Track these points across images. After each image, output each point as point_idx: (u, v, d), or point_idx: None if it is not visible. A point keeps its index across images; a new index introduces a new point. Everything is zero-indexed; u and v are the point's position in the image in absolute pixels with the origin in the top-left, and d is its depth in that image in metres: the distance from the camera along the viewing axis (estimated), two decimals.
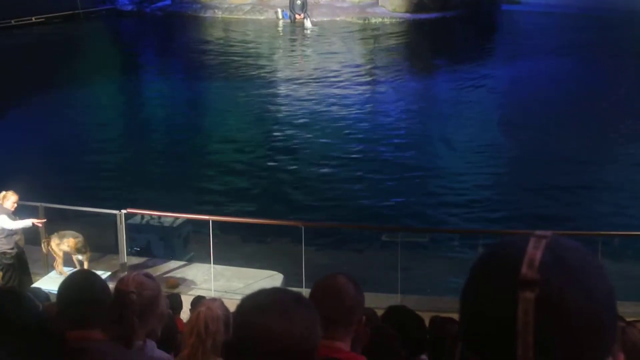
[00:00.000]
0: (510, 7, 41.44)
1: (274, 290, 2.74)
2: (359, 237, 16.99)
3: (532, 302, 1.50)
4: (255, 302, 2.62)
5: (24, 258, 14.32)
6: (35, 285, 13.36)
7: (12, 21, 40.24)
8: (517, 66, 30.88)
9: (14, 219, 13.86)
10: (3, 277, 13.59)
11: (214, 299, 5.35)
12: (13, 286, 12.81)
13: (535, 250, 1.55)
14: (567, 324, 1.51)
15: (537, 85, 28.31)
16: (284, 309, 2.57)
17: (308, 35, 37.88)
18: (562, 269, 1.53)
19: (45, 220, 14.17)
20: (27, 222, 13.99)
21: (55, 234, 14.30)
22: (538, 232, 1.61)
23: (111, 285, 4.63)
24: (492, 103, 26.61)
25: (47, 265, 14.60)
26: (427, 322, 7.71)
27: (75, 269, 12.73)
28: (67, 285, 4.50)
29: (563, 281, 1.52)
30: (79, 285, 4.45)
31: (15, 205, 13.84)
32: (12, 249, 13.89)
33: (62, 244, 14.22)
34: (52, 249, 14.25)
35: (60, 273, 13.81)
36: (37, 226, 14.13)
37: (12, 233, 13.87)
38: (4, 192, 13.78)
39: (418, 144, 22.82)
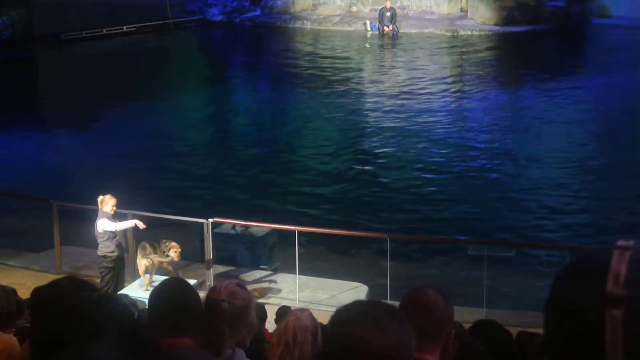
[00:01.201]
0: (602, 20, 40.86)
1: (368, 302, 2.75)
2: (445, 249, 16.88)
3: (620, 319, 1.47)
4: (350, 314, 2.63)
5: (123, 262, 14.47)
6: (122, 291, 13.51)
7: (104, 30, 40.90)
8: (608, 79, 30.45)
9: (114, 222, 14.03)
10: (102, 280, 13.75)
11: (302, 309, 5.37)
12: (110, 292, 12.95)
13: (619, 264, 1.52)
14: None
15: (628, 98, 27.93)
16: (379, 321, 2.57)
17: (396, 47, 37.82)
18: None
19: (144, 226, 14.23)
20: (130, 223, 14.14)
21: (145, 243, 14.41)
22: (620, 243, 1.57)
23: (200, 294, 4.68)
24: (582, 116, 26.27)
25: (134, 272, 14.74)
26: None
27: (167, 277, 12.83)
28: (160, 293, 4.57)
29: None
30: (171, 293, 4.51)
31: (114, 208, 14.00)
32: (112, 252, 14.04)
33: (156, 252, 14.30)
34: (147, 259, 14.30)
35: (149, 284, 13.86)
36: (139, 228, 14.20)
37: (112, 236, 14.03)
38: (101, 197, 13.95)
39: (506, 157, 22.63)
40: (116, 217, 14.24)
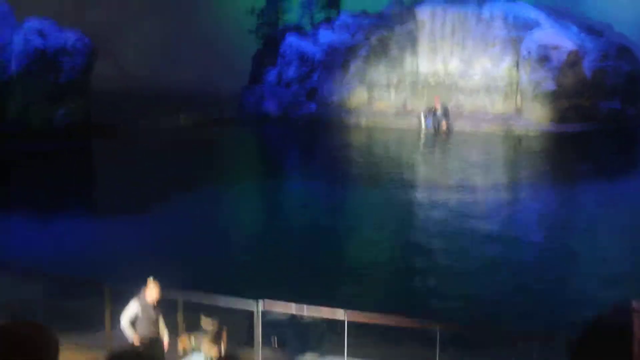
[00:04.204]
0: None
1: None
2: (495, 342, 16.70)
3: None
4: None
5: (157, 350, 14.45)
6: None
7: (160, 123, 41.49)
8: None
9: (150, 309, 14.05)
10: None
11: None
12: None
13: None
14: None
15: None
16: None
17: (450, 144, 37.97)
18: None
19: (140, 344, 14.25)
20: (129, 334, 14.13)
21: (198, 334, 14.47)
22: (636, 305, 1.63)
23: None
24: (635, 219, 26.04)
25: None
26: None
27: None
28: None
29: None
30: None
31: (155, 298, 13.99)
32: (145, 336, 14.09)
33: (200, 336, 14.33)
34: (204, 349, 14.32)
35: None
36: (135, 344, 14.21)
37: (143, 321, 14.05)
38: (149, 279, 13.99)
39: (558, 256, 22.50)
40: (158, 306, 14.24)
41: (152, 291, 13.88)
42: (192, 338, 14.30)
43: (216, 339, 14.39)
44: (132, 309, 13.95)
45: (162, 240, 23.71)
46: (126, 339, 14.38)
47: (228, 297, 15.33)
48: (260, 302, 14.61)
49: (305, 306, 15.05)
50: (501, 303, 19.03)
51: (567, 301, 19.18)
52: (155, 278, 14.24)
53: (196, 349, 14.27)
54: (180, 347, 14.23)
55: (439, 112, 39.70)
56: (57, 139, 36.77)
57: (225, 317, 15.34)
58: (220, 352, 14.32)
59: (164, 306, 14.81)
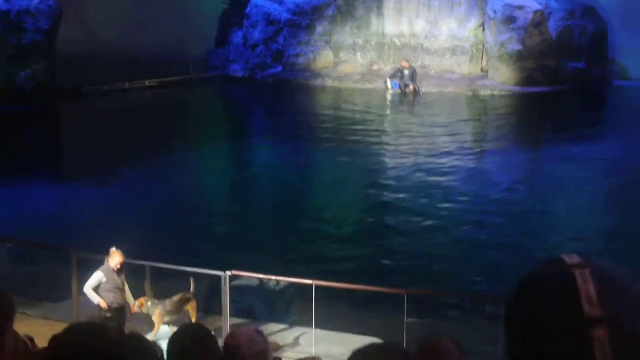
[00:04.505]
0: (622, 82, 40.98)
1: (384, 345, 2.79)
2: (463, 306, 16.85)
3: (606, 336, 1.57)
4: (366, 356, 2.68)
5: (122, 314, 14.55)
6: None
7: (126, 84, 41.28)
8: (627, 141, 30.42)
9: (115, 277, 14.16)
10: None
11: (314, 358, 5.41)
12: (139, 333, 12.99)
13: (586, 284, 1.62)
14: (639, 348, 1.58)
15: None
16: None
17: (416, 105, 38.01)
18: (619, 299, 1.61)
19: (106, 307, 14.28)
20: (95, 300, 14.20)
21: (154, 299, 14.56)
22: (569, 259, 1.66)
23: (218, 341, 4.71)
24: (601, 179, 26.22)
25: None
26: None
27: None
28: (180, 338, 4.61)
29: (625, 311, 1.60)
30: (191, 338, 4.55)
31: (119, 266, 14.16)
32: (110, 302, 14.19)
33: (172, 310, 14.46)
34: (155, 316, 14.46)
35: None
36: (102, 307, 14.25)
37: (112, 287, 14.17)
38: (112, 249, 14.11)
39: (521, 213, 22.67)
40: (122, 271, 14.37)
41: (114, 258, 14.03)
42: (149, 303, 14.43)
43: (176, 308, 14.47)
44: (95, 276, 14.08)
45: (130, 204, 23.67)
46: (93, 307, 14.41)
47: (196, 265, 15.36)
48: (228, 271, 14.64)
49: (273, 275, 15.11)
50: (465, 260, 19.21)
51: (532, 258, 19.33)
52: (118, 245, 14.31)
53: (149, 313, 14.42)
54: (136, 306, 14.37)
55: (407, 73, 39.64)
56: (21, 101, 36.44)
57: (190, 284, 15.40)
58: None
59: (133, 272, 14.83)
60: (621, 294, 1.62)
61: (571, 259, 1.68)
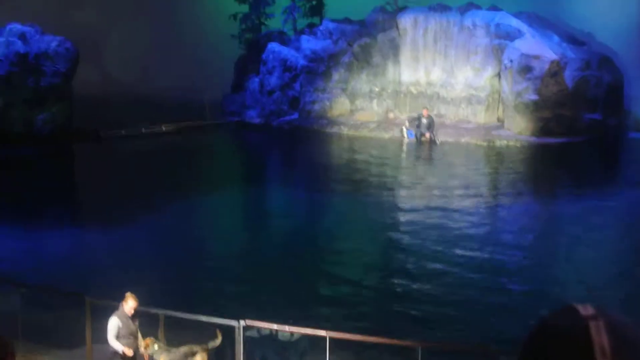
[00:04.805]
0: (637, 134, 41.00)
1: None
2: (477, 358, 16.75)
3: None
4: None
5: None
6: None
7: (143, 129, 41.48)
8: None
9: (130, 323, 14.17)
10: None
11: None
12: None
13: (600, 337, 1.64)
14: None
15: None
16: None
17: (432, 155, 38.03)
18: (632, 351, 1.64)
19: (131, 354, 14.32)
20: (118, 348, 14.22)
21: (161, 344, 14.56)
22: (583, 310, 1.68)
23: None
24: (617, 230, 26.14)
25: None
26: None
27: None
28: None
29: None
30: None
31: (133, 311, 14.17)
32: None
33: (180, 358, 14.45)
34: (156, 358, 14.47)
35: None
36: (126, 354, 14.28)
37: (124, 335, 14.17)
38: (127, 294, 14.13)
39: (537, 266, 22.57)
40: (136, 317, 14.39)
41: (129, 303, 14.06)
42: (155, 346, 14.44)
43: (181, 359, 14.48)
44: (113, 324, 14.09)
45: (144, 249, 23.67)
46: (107, 354, 14.42)
47: (209, 313, 15.32)
48: (242, 320, 14.59)
49: (287, 325, 15.05)
50: (481, 319, 19.09)
51: (547, 307, 19.16)
52: (132, 291, 14.33)
53: (155, 356, 14.43)
54: (142, 346, 14.37)
55: (424, 122, 39.74)
56: (38, 143, 36.66)
57: (204, 335, 15.37)
58: None
59: (147, 320, 14.82)
60: (634, 346, 1.65)
61: (585, 310, 1.70)
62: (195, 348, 14.76)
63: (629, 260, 23.67)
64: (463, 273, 21.65)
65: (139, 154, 37.13)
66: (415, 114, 40.85)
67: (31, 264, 21.63)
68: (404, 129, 40.62)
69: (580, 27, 44.64)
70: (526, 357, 1.74)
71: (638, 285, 21.36)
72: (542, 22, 44.15)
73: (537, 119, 40.04)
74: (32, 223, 25.70)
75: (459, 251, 23.40)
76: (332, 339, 14.58)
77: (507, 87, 41.13)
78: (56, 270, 21.26)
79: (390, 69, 44.66)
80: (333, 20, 46.63)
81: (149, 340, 14.48)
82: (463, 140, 39.97)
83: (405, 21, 44.73)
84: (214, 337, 14.99)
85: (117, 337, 14.20)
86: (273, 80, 45.17)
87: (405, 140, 40.30)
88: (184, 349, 14.68)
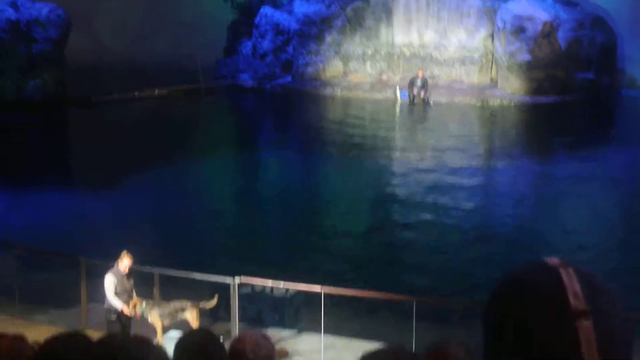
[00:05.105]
0: (631, 91, 41.01)
1: (393, 349, 2.80)
2: (473, 313, 16.79)
3: (590, 328, 1.70)
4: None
5: (129, 319, 14.56)
6: None
7: (136, 93, 41.38)
8: (636, 151, 30.36)
9: (124, 281, 14.21)
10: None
11: None
12: (144, 337, 13.03)
13: (571, 282, 1.74)
14: (619, 340, 1.73)
15: None
16: None
17: (426, 116, 38.02)
18: (601, 296, 1.75)
19: (135, 314, 14.39)
20: (118, 305, 14.23)
21: (149, 301, 14.62)
22: (555, 261, 1.75)
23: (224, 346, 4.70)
24: (610, 189, 26.15)
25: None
26: None
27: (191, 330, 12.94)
28: (186, 342, 4.60)
29: (606, 307, 1.74)
30: (197, 342, 4.53)
31: (127, 269, 14.20)
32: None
33: (170, 313, 14.50)
34: (151, 318, 14.50)
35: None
36: (125, 313, 14.31)
37: (121, 290, 14.21)
38: (123, 252, 14.15)
39: (532, 226, 22.62)
40: (131, 276, 14.42)
41: (124, 261, 14.09)
42: (143, 304, 14.46)
43: (171, 314, 14.51)
44: (110, 281, 14.12)
45: (138, 212, 23.68)
46: (101, 313, 14.48)
47: (204, 272, 15.36)
48: (237, 277, 14.62)
49: (282, 282, 15.09)
50: (475, 274, 19.15)
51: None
52: (128, 250, 14.34)
53: (144, 315, 14.47)
54: (131, 306, 14.38)
55: (419, 83, 39.66)
56: (31, 110, 36.56)
57: (199, 292, 15.42)
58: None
59: (142, 279, 14.86)
60: (602, 291, 1.76)
61: (552, 260, 1.78)
62: (185, 304, 14.80)
63: (616, 212, 23.81)
64: (456, 236, 21.67)
65: (132, 119, 37.03)
66: (412, 76, 40.73)
67: (24, 228, 21.61)
68: (398, 90, 40.57)
69: None
70: (495, 309, 1.79)
71: (626, 241, 21.47)
72: None
73: (531, 79, 40.03)
74: (26, 188, 25.66)
75: (452, 215, 23.41)
76: (326, 295, 14.62)
77: (500, 48, 41.08)
78: (51, 233, 21.26)
79: (383, 32, 44.54)
80: None
81: (136, 300, 14.50)
82: (456, 100, 39.94)
83: None
84: (210, 299, 15.02)
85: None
86: (266, 44, 45.09)
87: (399, 101, 40.25)
88: (174, 304, 14.72)
